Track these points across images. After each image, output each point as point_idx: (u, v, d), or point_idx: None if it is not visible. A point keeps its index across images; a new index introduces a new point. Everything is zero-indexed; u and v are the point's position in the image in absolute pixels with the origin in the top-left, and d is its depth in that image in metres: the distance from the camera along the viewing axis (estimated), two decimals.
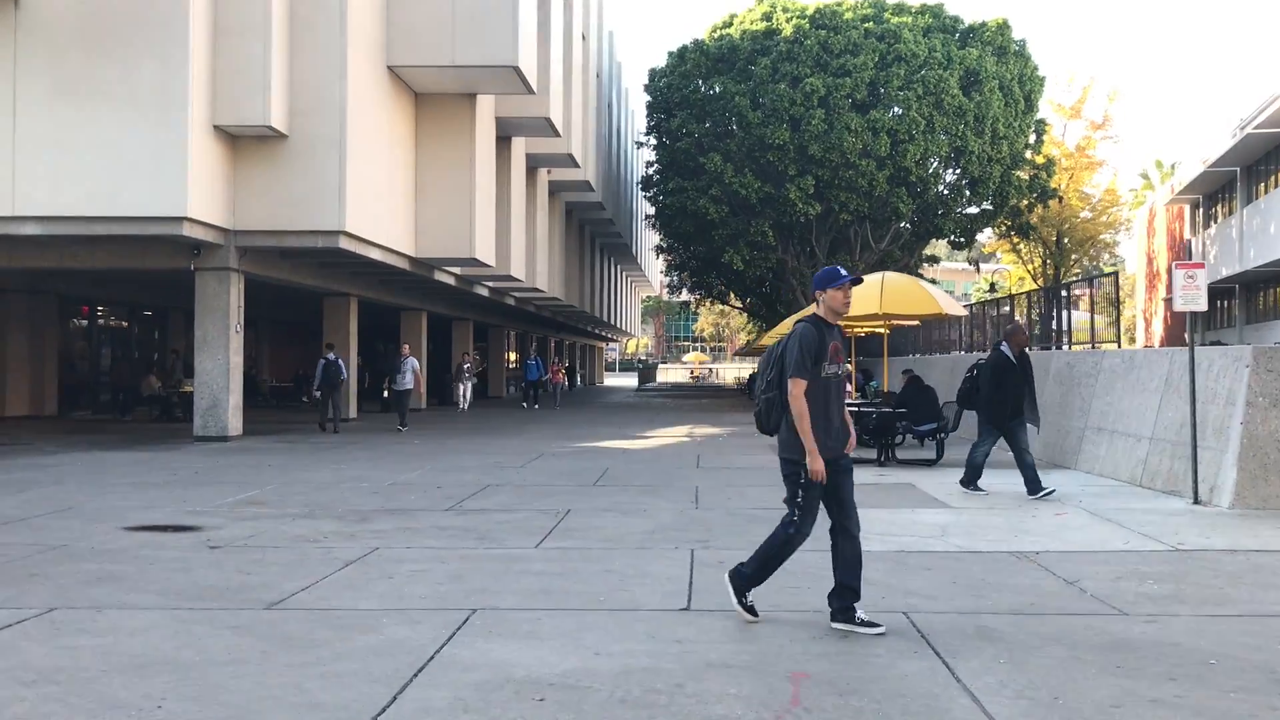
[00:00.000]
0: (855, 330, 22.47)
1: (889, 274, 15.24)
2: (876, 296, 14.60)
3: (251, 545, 8.80)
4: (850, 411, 17.00)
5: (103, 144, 17.45)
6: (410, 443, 19.71)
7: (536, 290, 34.07)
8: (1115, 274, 19.54)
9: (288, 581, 7.34)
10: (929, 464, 14.88)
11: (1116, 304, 17.69)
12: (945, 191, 35.91)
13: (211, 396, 19.54)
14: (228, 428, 19.52)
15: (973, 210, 37.94)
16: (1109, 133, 45.55)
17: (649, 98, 40.61)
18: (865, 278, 15.65)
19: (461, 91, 23.55)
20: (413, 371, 23.85)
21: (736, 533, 9.33)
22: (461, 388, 31.72)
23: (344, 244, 19.60)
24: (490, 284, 32.32)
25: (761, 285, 45.46)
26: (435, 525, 9.85)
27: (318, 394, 22.86)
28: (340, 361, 22.55)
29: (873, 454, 15.77)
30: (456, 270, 27.93)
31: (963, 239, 39.00)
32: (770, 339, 34.72)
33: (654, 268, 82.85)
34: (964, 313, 17.23)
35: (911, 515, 10.37)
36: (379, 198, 21.30)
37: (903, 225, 36.94)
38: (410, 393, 23.94)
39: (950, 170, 35.30)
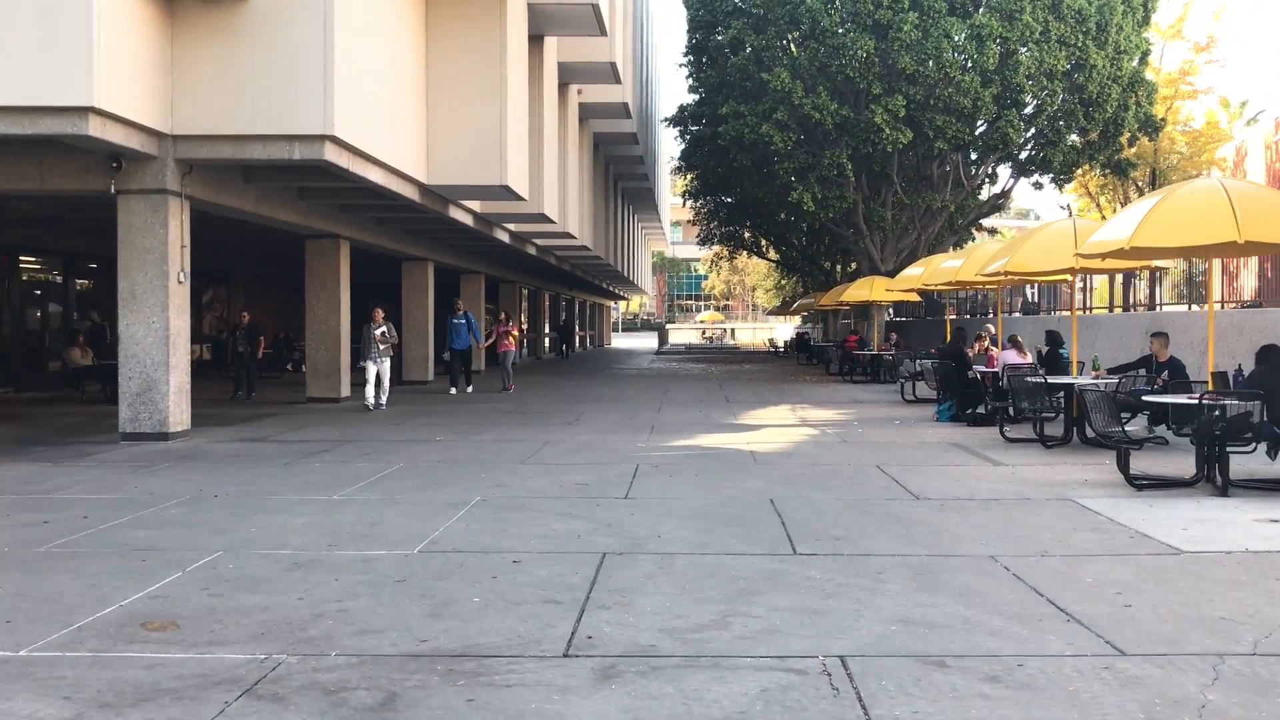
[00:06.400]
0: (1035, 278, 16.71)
1: (1229, 181, 9.39)
2: (1227, 212, 8.70)
3: None
4: (1131, 395, 10.80)
5: None
6: (432, 440, 13.80)
7: (567, 236, 28.00)
8: None
9: None
10: None
11: None
12: (1059, 116, 29.76)
13: (144, 376, 13.54)
14: (167, 420, 13.55)
15: (1075, 140, 31.86)
16: (1213, 56, 39.36)
17: (688, 13, 34.43)
18: (1194, 184, 9.69)
19: None
20: None
21: None
22: (373, 369, 18.31)
23: (331, 155, 13.57)
24: (512, 227, 26.26)
25: (822, 232, 39.34)
26: None
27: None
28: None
29: (1179, 465, 9.96)
30: (476, 206, 21.89)
31: (1065, 177, 33.01)
32: (845, 297, 28.83)
33: (668, 219, 76.84)
34: None
35: None
36: (379, 98, 15.25)
37: (1014, 154, 30.88)
38: None
39: (1063, 90, 29.10)
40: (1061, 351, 15.89)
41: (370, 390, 18.19)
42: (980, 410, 16.18)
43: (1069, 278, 17.13)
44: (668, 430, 15.04)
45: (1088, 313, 24.75)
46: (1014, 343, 15.58)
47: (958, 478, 10.42)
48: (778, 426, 15.68)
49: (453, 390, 22.24)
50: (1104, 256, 10.32)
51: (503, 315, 24.25)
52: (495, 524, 8.11)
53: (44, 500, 9.22)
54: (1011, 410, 14.09)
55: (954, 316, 33.57)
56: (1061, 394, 13.27)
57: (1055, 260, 12.46)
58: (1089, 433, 13.12)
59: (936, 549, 7.21)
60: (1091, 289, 27.00)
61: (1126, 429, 9.65)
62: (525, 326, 43.61)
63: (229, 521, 8.22)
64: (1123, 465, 9.62)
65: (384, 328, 18.74)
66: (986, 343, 17.31)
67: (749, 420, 16.66)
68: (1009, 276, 14.61)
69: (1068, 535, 7.64)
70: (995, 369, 15.85)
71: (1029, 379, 13.20)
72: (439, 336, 24.68)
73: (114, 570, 6.63)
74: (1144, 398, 10.65)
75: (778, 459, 11.92)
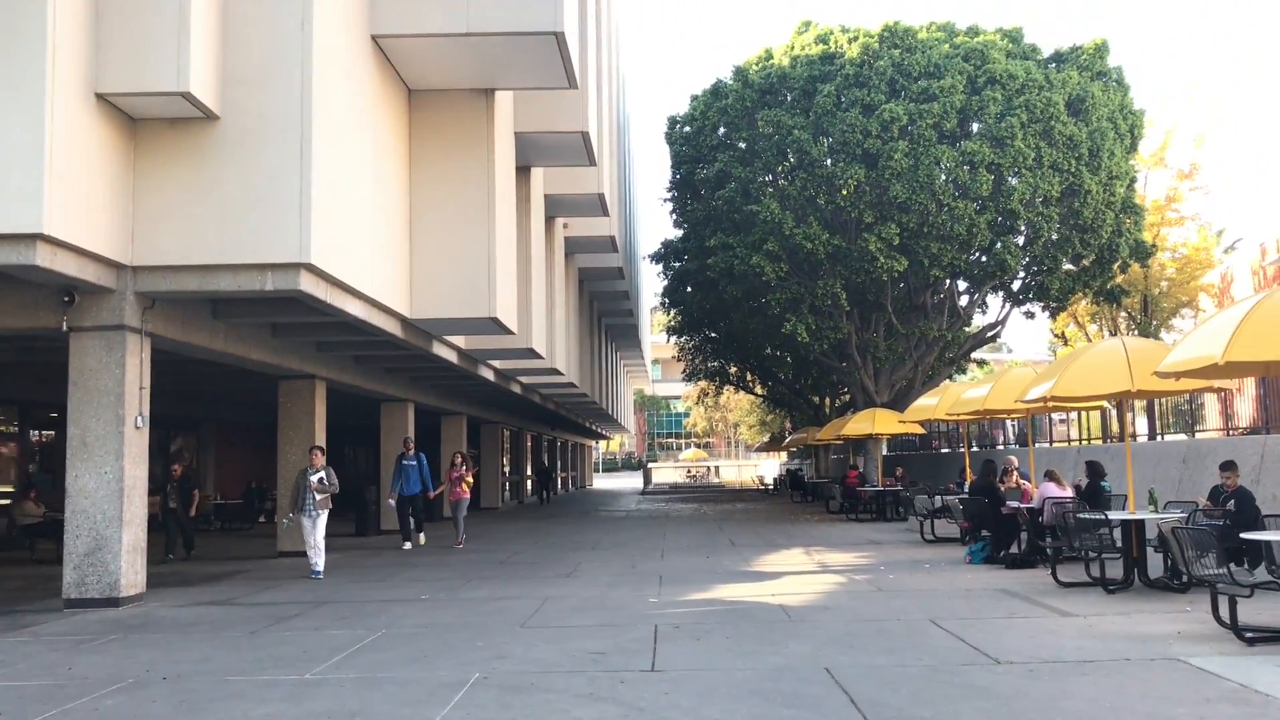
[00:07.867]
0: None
1: None
2: None
3: None
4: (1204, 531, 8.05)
5: None
6: (417, 598, 12.28)
7: (554, 373, 26.83)
8: None
9: None
10: None
11: None
12: (1054, 241, 29.18)
13: (93, 533, 12.04)
14: (118, 584, 12.00)
15: (1070, 267, 31.30)
16: (1197, 183, 39.39)
17: (671, 149, 34.22)
18: (1262, 300, 8.60)
19: (474, 86, 16.63)
20: None
21: None
22: (308, 525, 14.95)
23: (307, 285, 12.41)
24: (497, 364, 25.11)
25: (810, 365, 38.58)
26: None
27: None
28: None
29: (1262, 612, 8.63)
30: (460, 342, 20.74)
31: (1060, 305, 32.37)
32: (846, 430, 27.62)
33: (649, 356, 76.15)
34: None
35: None
36: (359, 226, 14.20)
37: (1009, 282, 30.25)
38: None
39: (1058, 215, 28.56)
40: (1103, 484, 14.66)
41: (314, 553, 14.84)
42: (1014, 550, 14.87)
43: (1104, 404, 16.07)
44: (678, 580, 13.58)
45: (1075, 444, 23.67)
46: (1051, 476, 14.32)
47: (1030, 633, 9.03)
48: (798, 574, 14.24)
49: (406, 545, 19.96)
50: (1178, 376, 9.18)
51: (457, 458, 20.76)
52: (502, 712, 6.64)
53: None
54: (1051, 550, 12.76)
55: (946, 449, 32.43)
56: (1118, 531, 11.99)
57: (1107, 383, 11.33)
58: (1150, 574, 11.87)
59: None
60: (1072, 420, 26.24)
61: (1234, 572, 8.33)
62: (507, 469, 42.12)
63: (176, 716, 6.71)
64: (1229, 616, 8.27)
65: (322, 473, 15.25)
66: (1017, 476, 16.06)
67: (764, 566, 15.22)
68: (1049, 403, 13.46)
69: (1204, 710, 6.27)
70: (1030, 504, 14.57)
71: (1084, 515, 11.90)
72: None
73: None
74: (1242, 535, 9.37)
75: (814, 614, 10.49)
